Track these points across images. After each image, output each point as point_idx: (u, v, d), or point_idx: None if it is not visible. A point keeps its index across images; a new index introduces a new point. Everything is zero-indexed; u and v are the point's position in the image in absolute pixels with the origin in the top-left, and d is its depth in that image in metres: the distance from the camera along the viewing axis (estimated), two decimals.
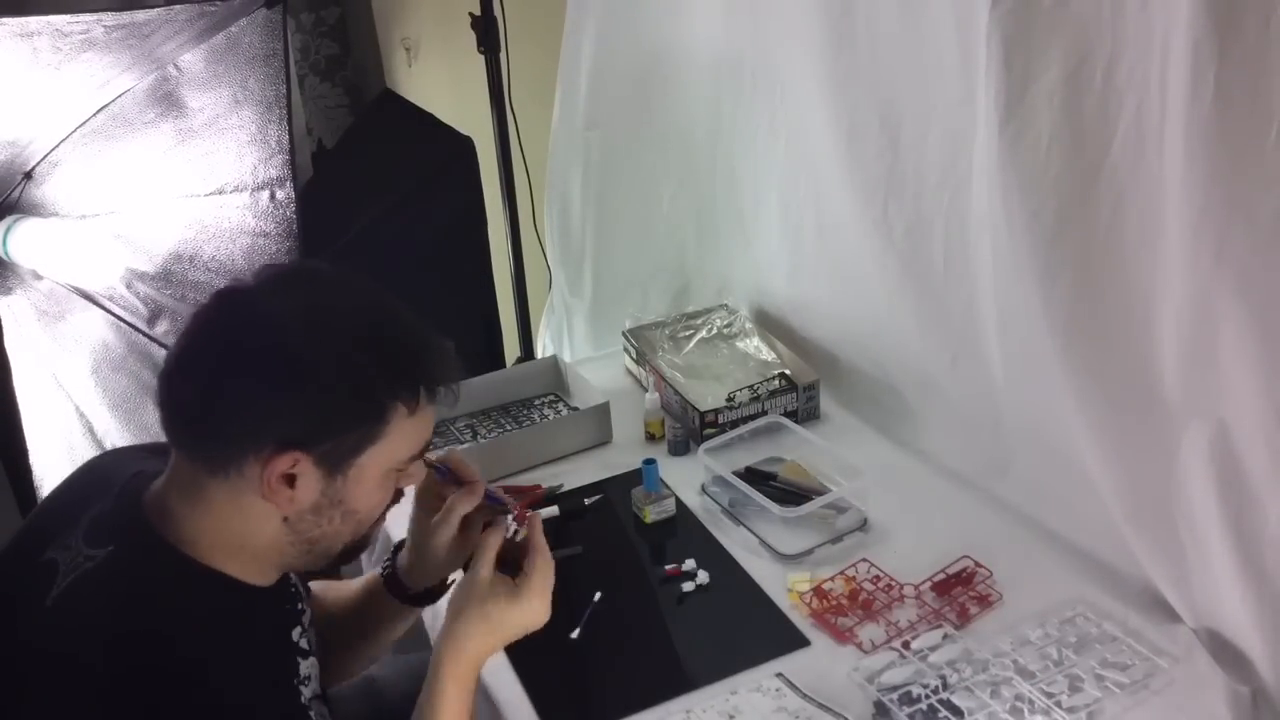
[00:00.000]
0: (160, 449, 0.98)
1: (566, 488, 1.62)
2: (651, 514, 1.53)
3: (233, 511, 0.91)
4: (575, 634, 1.33)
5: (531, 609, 1.05)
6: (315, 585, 1.03)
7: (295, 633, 1.01)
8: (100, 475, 1.02)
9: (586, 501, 1.59)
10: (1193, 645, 1.20)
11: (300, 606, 1.04)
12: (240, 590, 0.94)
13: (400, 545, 1.22)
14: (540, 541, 1.08)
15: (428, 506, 1.15)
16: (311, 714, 0.95)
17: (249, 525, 0.92)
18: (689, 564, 1.43)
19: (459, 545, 1.14)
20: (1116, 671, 1.18)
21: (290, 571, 1.01)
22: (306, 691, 0.97)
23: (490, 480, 1.65)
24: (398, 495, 1.02)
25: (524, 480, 1.64)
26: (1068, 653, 1.21)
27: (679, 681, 1.24)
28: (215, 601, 0.92)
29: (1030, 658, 1.20)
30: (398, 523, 1.19)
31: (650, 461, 1.55)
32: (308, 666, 1.00)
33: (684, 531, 1.53)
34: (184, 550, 0.91)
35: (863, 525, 1.47)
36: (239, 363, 0.89)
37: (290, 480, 0.90)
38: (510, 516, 1.10)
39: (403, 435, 0.94)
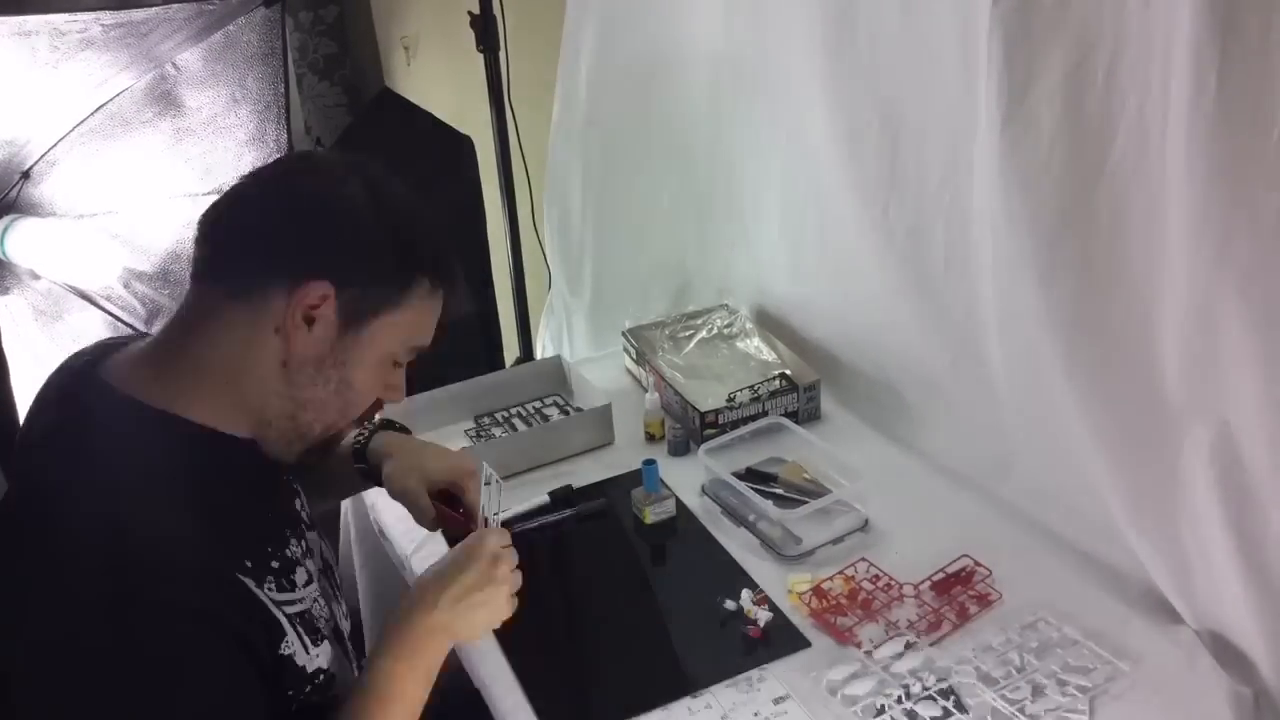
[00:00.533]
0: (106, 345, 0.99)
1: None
2: (651, 515, 1.53)
3: (241, 337, 0.92)
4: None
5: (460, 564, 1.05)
6: None
7: (297, 504, 1.06)
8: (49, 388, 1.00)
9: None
10: (1195, 647, 1.20)
11: (294, 485, 1.09)
12: (221, 441, 0.94)
13: (379, 427, 1.27)
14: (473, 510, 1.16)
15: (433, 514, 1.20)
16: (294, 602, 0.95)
17: (250, 357, 0.93)
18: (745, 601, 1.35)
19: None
20: (1078, 675, 1.17)
21: (262, 441, 0.98)
22: (309, 568, 1.01)
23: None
24: (377, 406, 1.04)
25: (524, 480, 1.63)
26: (1029, 658, 1.21)
27: (679, 683, 1.23)
28: (184, 452, 0.91)
29: (992, 664, 1.20)
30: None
31: (650, 462, 1.54)
32: (314, 539, 1.05)
33: (684, 532, 1.52)
34: (155, 403, 0.91)
35: (863, 525, 1.47)
36: (295, 198, 0.94)
37: (310, 321, 0.92)
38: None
39: (416, 314, 0.99)
